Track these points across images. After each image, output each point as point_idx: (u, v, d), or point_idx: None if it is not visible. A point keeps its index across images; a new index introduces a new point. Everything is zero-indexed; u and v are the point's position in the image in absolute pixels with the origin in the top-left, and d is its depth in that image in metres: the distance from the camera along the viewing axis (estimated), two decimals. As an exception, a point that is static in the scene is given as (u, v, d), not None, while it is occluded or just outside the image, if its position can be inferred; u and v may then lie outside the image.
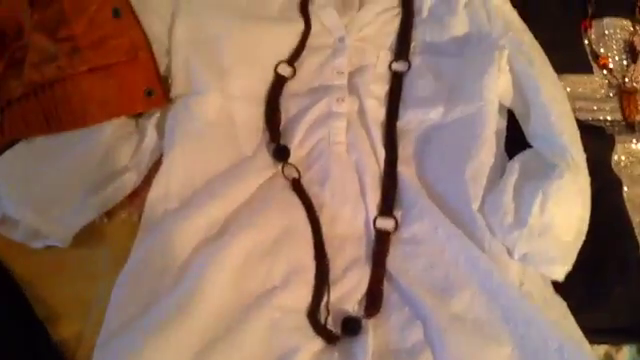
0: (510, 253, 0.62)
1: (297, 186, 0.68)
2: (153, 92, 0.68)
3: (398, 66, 0.75)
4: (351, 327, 0.60)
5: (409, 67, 0.75)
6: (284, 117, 0.73)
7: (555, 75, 0.70)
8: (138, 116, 0.71)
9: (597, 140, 0.71)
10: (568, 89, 0.76)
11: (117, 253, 0.64)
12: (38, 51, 0.66)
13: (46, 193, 0.64)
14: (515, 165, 0.65)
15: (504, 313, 0.59)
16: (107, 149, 0.67)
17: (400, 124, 0.72)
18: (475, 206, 0.64)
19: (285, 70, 0.74)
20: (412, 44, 0.76)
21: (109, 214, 0.68)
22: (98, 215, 0.67)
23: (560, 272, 0.62)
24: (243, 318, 0.59)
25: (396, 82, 0.74)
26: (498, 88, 0.68)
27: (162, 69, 0.71)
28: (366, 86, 0.74)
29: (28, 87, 0.65)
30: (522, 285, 0.61)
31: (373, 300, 0.62)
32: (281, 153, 0.70)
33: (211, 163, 0.68)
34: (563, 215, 0.61)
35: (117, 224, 0.68)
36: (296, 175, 0.69)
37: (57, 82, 0.66)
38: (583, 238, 0.63)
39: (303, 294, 0.61)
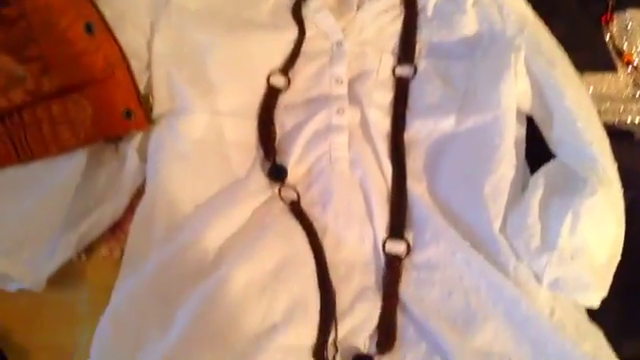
0: (538, 279, 0.56)
1: (296, 209, 0.62)
2: (132, 113, 0.61)
3: (403, 71, 0.69)
4: (362, 366, 0.54)
5: (415, 72, 0.68)
6: (279, 132, 0.66)
7: (578, 76, 0.64)
8: (117, 140, 0.64)
9: (627, 147, 0.65)
10: (591, 89, 0.71)
11: (98, 294, 0.58)
12: (4, 74, 0.59)
13: (14, 234, 0.57)
14: (539, 180, 0.59)
15: (534, 347, 0.54)
16: (82, 179, 0.61)
17: (407, 135, 0.66)
18: (496, 227, 0.58)
19: (278, 81, 0.68)
20: (417, 46, 0.70)
21: (88, 251, 0.62)
22: (75, 253, 0.61)
23: (595, 298, 0.56)
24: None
25: (401, 89, 0.68)
26: (516, 93, 0.62)
27: (142, 87, 0.64)
28: (368, 94, 0.67)
29: (-6, 114, 0.59)
30: (553, 314, 0.56)
31: (386, 335, 0.56)
32: (277, 173, 0.64)
33: (200, 187, 0.62)
34: (597, 236, 0.55)
35: (97, 262, 0.62)
36: (295, 197, 0.63)
37: (26, 107, 0.59)
38: (619, 259, 0.57)
39: (307, 331, 0.56)
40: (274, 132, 0.66)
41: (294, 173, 0.64)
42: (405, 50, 0.70)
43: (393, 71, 0.69)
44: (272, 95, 0.67)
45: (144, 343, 0.53)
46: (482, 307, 0.56)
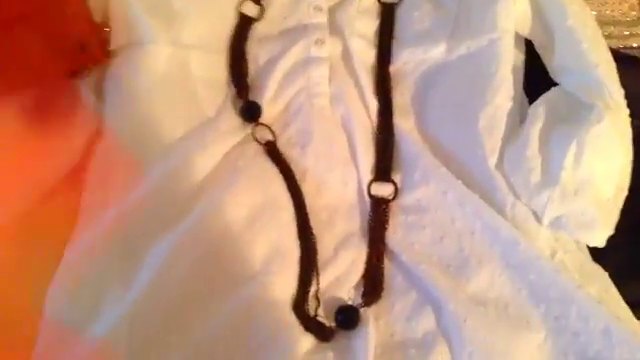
0: (539, 218, 0.52)
1: (272, 150, 0.57)
2: (86, 45, 0.55)
3: (388, -4, 0.62)
4: (347, 318, 0.50)
5: (402, -4, 0.62)
6: (252, 67, 0.60)
7: (581, -4, 0.58)
8: (71, 76, 0.58)
9: (633, 73, 0.59)
10: (594, 13, 0.65)
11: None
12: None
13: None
14: (540, 109, 0.53)
15: (533, 291, 0.50)
16: None
17: (394, 67, 0.60)
18: (492, 162, 0.53)
19: (251, 9, 0.62)
20: (403, -32, 0.63)
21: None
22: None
23: (601, 237, 0.52)
24: (213, 317, 0.48)
25: (387, 16, 0.62)
26: (514, 14, 0.56)
27: (97, 16, 0.58)
28: (350, 23, 0.61)
29: None
30: (554, 256, 0.51)
31: (372, 284, 0.52)
32: (250, 111, 0.58)
33: (165, 128, 0.56)
34: (603, 167, 0.51)
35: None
36: (270, 137, 0.58)
37: (-36, 41, 0.53)
38: (626, 192, 0.52)
39: (286, 282, 0.51)
40: (246, 67, 0.60)
41: (269, 111, 0.59)
42: (390, -27, 0.63)
43: (378, -4, 0.63)
44: (243, 25, 0.61)
45: (104, 300, 0.49)
46: (476, 251, 0.51)
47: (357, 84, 0.59)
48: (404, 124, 0.58)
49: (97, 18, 0.58)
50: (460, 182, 0.53)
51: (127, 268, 0.50)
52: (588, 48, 0.53)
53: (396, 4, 0.62)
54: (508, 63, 0.56)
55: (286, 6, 0.62)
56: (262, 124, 0.58)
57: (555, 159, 0.50)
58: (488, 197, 0.52)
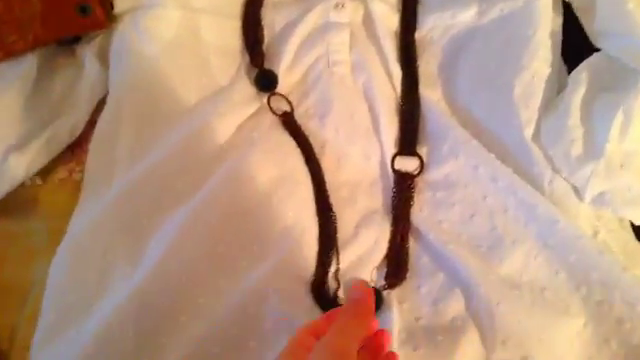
0: (579, 194, 0.48)
1: (289, 122, 0.54)
2: (88, 8, 0.52)
3: (413, -43, 0.58)
4: (369, 301, 0.47)
5: (427, -43, 0.58)
6: (268, 34, 0.57)
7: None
8: (73, 42, 0.55)
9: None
10: None
11: (56, 223, 0.50)
12: None
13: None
14: (581, 75, 0.49)
15: (573, 274, 0.46)
16: (33, 89, 0.53)
17: (419, 33, 0.56)
18: (528, 134, 0.49)
19: (265, -28, 0.58)
20: None
21: (43, 173, 0.54)
22: (27, 177, 0.53)
23: (648, 215, 0.48)
24: (225, 297, 0.45)
25: (411, -22, 0.58)
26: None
27: (100, -23, 0.54)
28: (373, -14, 0.57)
29: None
30: (596, 236, 0.48)
31: (396, 265, 0.49)
32: (266, 80, 0.55)
33: (174, 97, 0.53)
34: None
35: (54, 186, 0.54)
36: (287, 108, 0.54)
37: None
38: (676, 166, 0.48)
39: (305, 261, 0.48)
40: (262, 33, 0.57)
41: (286, 80, 0.55)
42: None
43: (402, -42, 0.58)
44: (258, -11, 0.58)
45: (111, 277, 0.46)
46: (510, 229, 0.48)
47: (380, 51, 0.56)
48: (430, 94, 0.54)
49: (101, -20, 0.55)
50: (493, 155, 0.49)
51: (134, 244, 0.47)
52: (635, 8, 0.48)
53: (421, -35, 0.58)
54: (545, 26, 0.51)
55: (303, -32, 0.59)
56: (278, 94, 0.55)
57: (599, 129, 0.46)
58: (523, 171, 0.49)
